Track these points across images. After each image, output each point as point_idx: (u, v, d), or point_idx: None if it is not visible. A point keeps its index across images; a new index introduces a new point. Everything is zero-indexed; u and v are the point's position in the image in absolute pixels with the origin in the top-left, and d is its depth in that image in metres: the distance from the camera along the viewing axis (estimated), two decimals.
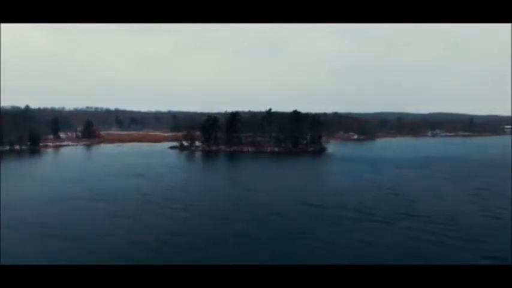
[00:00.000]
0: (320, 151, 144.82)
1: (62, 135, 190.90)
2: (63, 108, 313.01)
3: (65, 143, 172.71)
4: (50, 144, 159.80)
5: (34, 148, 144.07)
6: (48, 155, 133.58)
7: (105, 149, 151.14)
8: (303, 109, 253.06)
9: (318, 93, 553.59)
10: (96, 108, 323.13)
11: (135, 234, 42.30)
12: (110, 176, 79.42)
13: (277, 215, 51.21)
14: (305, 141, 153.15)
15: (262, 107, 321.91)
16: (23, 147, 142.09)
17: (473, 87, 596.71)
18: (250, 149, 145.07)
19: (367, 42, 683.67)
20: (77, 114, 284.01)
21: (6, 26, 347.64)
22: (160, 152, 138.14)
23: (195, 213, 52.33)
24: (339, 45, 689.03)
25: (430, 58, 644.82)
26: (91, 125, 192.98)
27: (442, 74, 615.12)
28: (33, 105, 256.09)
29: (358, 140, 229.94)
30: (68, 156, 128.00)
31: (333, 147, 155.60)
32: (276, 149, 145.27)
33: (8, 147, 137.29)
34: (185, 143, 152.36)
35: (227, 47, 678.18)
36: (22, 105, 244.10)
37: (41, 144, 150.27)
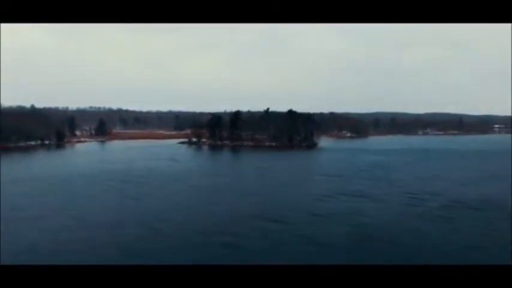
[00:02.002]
0: (311, 146, 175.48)
1: (77, 133, 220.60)
2: (67, 108, 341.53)
3: (82, 139, 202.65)
4: (71, 140, 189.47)
5: (60, 143, 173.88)
6: (80, 148, 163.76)
7: (122, 144, 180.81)
8: (302, 109, 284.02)
9: (318, 93, 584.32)
10: (98, 108, 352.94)
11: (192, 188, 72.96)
12: (150, 160, 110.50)
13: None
14: (299, 138, 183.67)
15: (261, 106, 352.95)
16: (51, 142, 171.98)
17: (472, 88, 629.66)
18: (250, 144, 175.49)
19: (367, 42, 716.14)
20: (82, 113, 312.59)
21: (8, 26, 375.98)
22: (173, 146, 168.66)
23: (222, 176, 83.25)
24: (339, 45, 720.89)
25: (430, 58, 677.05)
26: (104, 124, 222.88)
27: (440, 74, 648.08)
28: (36, 105, 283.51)
29: (350, 137, 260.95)
30: (98, 148, 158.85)
31: (323, 142, 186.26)
32: (273, 144, 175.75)
33: (39, 142, 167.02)
34: (193, 139, 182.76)
35: (227, 47, 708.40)
36: (26, 105, 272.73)
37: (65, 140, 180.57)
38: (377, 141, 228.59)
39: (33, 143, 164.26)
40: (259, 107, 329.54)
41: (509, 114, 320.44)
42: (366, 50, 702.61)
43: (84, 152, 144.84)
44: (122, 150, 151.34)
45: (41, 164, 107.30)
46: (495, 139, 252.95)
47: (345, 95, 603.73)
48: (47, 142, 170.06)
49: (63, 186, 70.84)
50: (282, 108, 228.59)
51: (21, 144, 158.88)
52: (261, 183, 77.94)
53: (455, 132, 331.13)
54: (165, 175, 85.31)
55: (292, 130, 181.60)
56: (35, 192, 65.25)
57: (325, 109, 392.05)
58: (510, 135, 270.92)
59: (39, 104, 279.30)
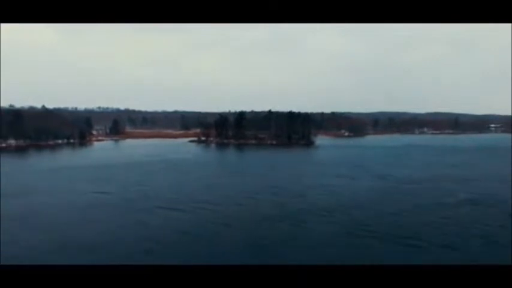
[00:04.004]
0: (308, 144, 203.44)
1: (93, 132, 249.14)
2: (76, 108, 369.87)
3: (99, 138, 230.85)
4: (91, 139, 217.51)
5: (82, 142, 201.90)
6: (102, 145, 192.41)
7: (136, 143, 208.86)
8: (304, 108, 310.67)
9: (319, 93, 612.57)
10: (107, 108, 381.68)
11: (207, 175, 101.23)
12: (172, 153, 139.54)
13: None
14: (297, 136, 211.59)
15: (262, 106, 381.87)
16: (75, 141, 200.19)
17: (471, 87, 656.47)
18: (253, 142, 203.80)
19: (368, 42, 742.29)
20: (91, 114, 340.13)
21: (14, 26, 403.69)
22: (184, 144, 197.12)
23: (230, 166, 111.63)
24: (340, 46, 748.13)
25: (429, 58, 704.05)
26: (118, 124, 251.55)
27: (440, 73, 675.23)
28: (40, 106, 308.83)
29: (348, 136, 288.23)
30: (119, 146, 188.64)
31: (321, 141, 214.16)
32: (274, 142, 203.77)
33: (65, 141, 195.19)
34: (202, 138, 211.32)
35: (227, 47, 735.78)
36: (35, 105, 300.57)
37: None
38: (373, 139, 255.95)
39: (59, 141, 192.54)
40: (260, 106, 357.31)
41: (509, 113, 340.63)
42: (366, 50, 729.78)
43: (111, 148, 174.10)
44: (142, 147, 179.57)
45: (91, 158, 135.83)
46: (489, 138, 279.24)
47: (346, 95, 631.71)
48: (71, 141, 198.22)
49: (136, 171, 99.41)
50: (284, 107, 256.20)
51: (50, 142, 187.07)
52: (263, 170, 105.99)
53: (452, 131, 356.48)
54: (193, 163, 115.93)
55: (291, 129, 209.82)
56: (125, 175, 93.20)
57: (327, 109, 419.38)
58: (505, 134, 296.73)
59: (47, 105, 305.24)
